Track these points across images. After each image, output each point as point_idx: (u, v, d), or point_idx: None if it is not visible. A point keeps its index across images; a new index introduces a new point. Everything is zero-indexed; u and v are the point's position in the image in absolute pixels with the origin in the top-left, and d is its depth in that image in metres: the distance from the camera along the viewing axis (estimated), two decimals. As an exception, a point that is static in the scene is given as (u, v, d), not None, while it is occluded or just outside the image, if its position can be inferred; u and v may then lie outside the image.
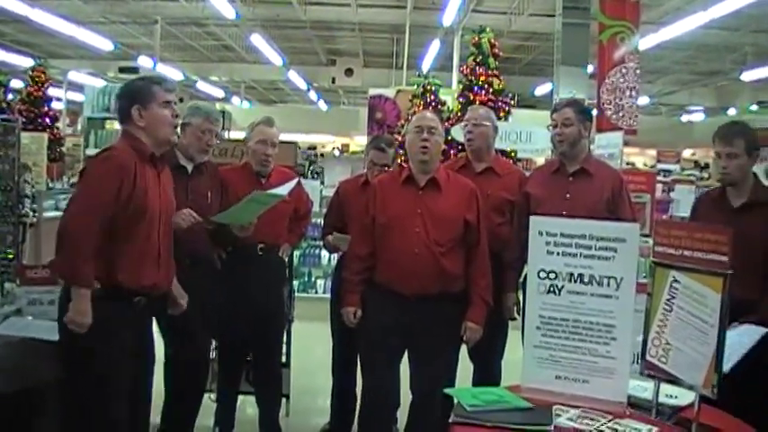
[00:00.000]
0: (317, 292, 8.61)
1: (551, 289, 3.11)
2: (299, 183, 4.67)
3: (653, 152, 24.48)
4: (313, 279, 8.89)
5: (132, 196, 3.34)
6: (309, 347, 5.35)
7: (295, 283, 8.05)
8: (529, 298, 3.22)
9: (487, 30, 11.83)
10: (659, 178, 16.14)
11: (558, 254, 3.11)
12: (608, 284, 3.02)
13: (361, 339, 4.15)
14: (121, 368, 3.37)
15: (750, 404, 3.14)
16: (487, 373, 4.60)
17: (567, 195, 4.27)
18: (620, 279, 3.00)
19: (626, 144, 21.68)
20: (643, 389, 3.06)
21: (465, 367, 4.51)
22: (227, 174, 4.68)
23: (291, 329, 5.45)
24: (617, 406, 2.95)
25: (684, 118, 33.33)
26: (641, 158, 27.83)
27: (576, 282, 3.07)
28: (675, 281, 2.85)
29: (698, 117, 31.74)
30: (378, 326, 3.99)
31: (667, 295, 2.87)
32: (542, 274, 3.14)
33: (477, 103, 10.69)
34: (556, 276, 3.11)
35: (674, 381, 2.88)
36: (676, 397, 3.01)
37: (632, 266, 3.01)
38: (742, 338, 3.23)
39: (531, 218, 3.29)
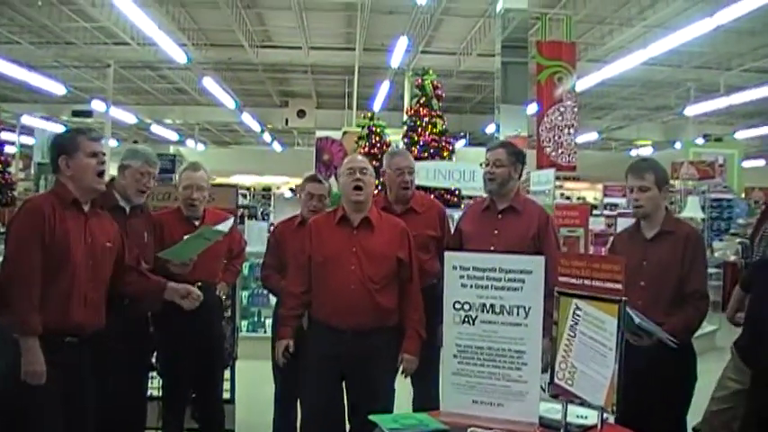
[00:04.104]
0: (265, 332, 8.55)
1: (466, 319, 3.33)
2: (234, 222, 4.87)
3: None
4: (262, 319, 8.97)
5: (54, 242, 3.47)
6: (258, 385, 5.49)
7: (244, 322, 8.20)
8: (445, 329, 3.42)
9: (430, 72, 12.15)
10: (605, 212, 16.57)
11: (471, 286, 3.33)
12: (517, 313, 3.24)
13: (300, 373, 4.31)
14: (47, 409, 3.43)
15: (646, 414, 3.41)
16: (426, 399, 4.76)
17: (496, 231, 4.48)
18: (528, 308, 3.23)
19: (576, 179, 22.00)
20: (556, 410, 3.25)
21: (409, 392, 4.75)
22: (160, 217, 4.84)
23: (235, 366, 5.59)
24: (529, 426, 3.16)
25: (633, 152, 34.02)
26: (591, 193, 28.35)
27: (488, 312, 3.29)
28: (578, 308, 3.09)
29: (646, 151, 32.43)
30: (316, 355, 4.16)
31: (571, 322, 3.11)
32: (457, 306, 3.36)
33: (422, 143, 10.98)
34: (470, 307, 3.33)
35: (580, 401, 3.09)
36: (586, 417, 3.21)
37: (539, 296, 3.22)
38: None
39: (446, 253, 3.51)
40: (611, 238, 4.84)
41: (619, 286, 2.98)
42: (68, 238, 3.53)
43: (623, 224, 12.34)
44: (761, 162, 32.51)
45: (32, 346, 3.36)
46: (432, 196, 7.16)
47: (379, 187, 5.41)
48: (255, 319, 8.99)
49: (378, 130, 13.98)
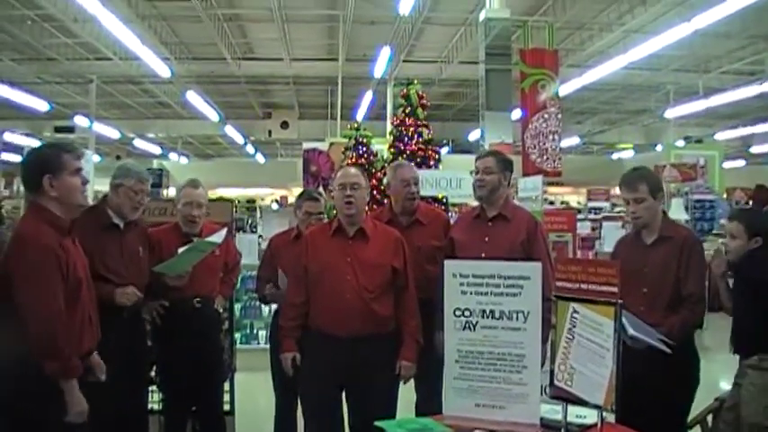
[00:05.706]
0: (258, 343, 8.71)
1: (467, 325, 3.41)
2: (227, 233, 4.92)
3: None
4: (255, 331, 9.02)
5: (68, 276, 3.36)
6: (253, 397, 5.56)
7: (237, 335, 8.22)
8: (447, 335, 3.49)
9: (415, 82, 12.24)
10: (590, 216, 16.71)
11: (470, 293, 3.40)
12: (517, 318, 3.32)
13: (300, 382, 4.35)
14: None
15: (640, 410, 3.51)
16: (429, 404, 4.81)
17: (486, 239, 4.57)
18: (527, 312, 3.31)
19: (559, 184, 22.07)
20: (556, 411, 3.34)
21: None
22: (158, 234, 4.87)
23: (234, 378, 5.65)
24: (531, 428, 3.25)
25: (615, 156, 34.27)
26: (575, 197, 28.47)
27: (488, 317, 3.37)
28: (575, 311, 3.18)
29: (628, 154, 32.67)
30: (314, 363, 4.22)
31: (569, 325, 3.19)
32: (458, 313, 3.43)
33: (408, 152, 11.07)
34: (470, 314, 3.40)
35: (579, 402, 3.18)
36: (586, 417, 3.30)
37: (537, 300, 3.30)
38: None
39: (446, 262, 3.59)
40: (614, 244, 4.85)
41: (614, 289, 3.06)
42: (77, 267, 3.45)
43: (608, 228, 12.56)
44: (741, 163, 32.86)
45: (74, 386, 3.33)
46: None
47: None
48: (248, 331, 9.03)
49: (364, 140, 14.03)
